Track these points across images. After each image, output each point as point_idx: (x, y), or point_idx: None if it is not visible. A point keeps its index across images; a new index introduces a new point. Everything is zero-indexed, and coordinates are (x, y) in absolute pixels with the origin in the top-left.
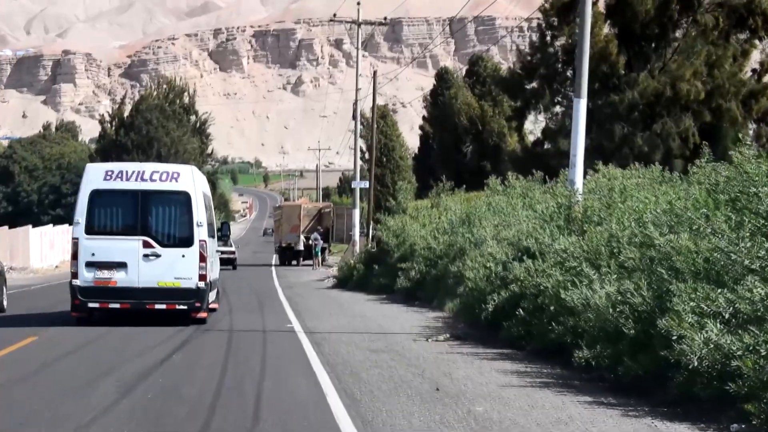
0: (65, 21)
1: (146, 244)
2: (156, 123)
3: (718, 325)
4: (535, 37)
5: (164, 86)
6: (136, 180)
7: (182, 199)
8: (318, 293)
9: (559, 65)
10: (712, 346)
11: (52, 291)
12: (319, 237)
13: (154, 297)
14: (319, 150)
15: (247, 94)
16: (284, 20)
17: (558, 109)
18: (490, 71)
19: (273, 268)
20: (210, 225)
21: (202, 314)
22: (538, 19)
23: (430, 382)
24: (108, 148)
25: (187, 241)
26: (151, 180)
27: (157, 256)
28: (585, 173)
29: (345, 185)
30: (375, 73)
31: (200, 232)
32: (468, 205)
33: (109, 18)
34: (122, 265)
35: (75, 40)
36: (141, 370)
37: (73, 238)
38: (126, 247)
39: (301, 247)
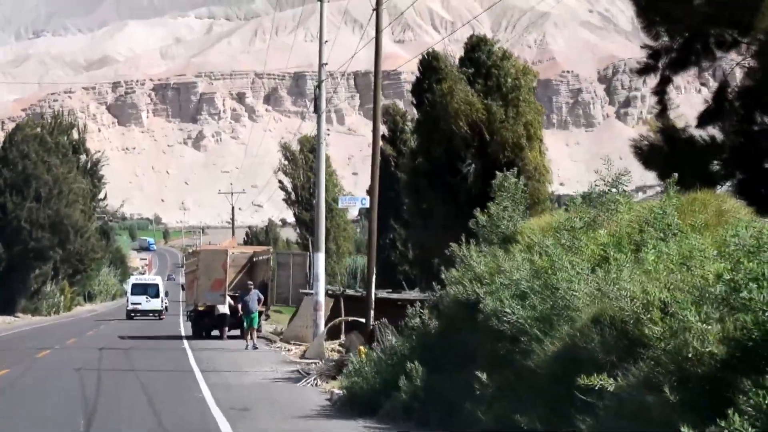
0: None
1: (147, 298)
2: (35, 157)
3: None
4: None
5: (48, 118)
6: (143, 281)
7: (156, 285)
8: None
9: None
10: None
11: None
12: (251, 296)
13: (150, 313)
14: (232, 194)
15: (147, 148)
16: (185, 73)
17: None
18: (497, 58)
19: (186, 343)
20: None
21: (162, 317)
22: None
23: None
24: None
25: (157, 296)
26: (148, 281)
27: (150, 301)
28: None
29: (252, 240)
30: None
31: (162, 294)
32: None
33: (3, 70)
34: (140, 303)
35: None
36: None
37: (127, 297)
38: (141, 299)
39: (227, 311)
